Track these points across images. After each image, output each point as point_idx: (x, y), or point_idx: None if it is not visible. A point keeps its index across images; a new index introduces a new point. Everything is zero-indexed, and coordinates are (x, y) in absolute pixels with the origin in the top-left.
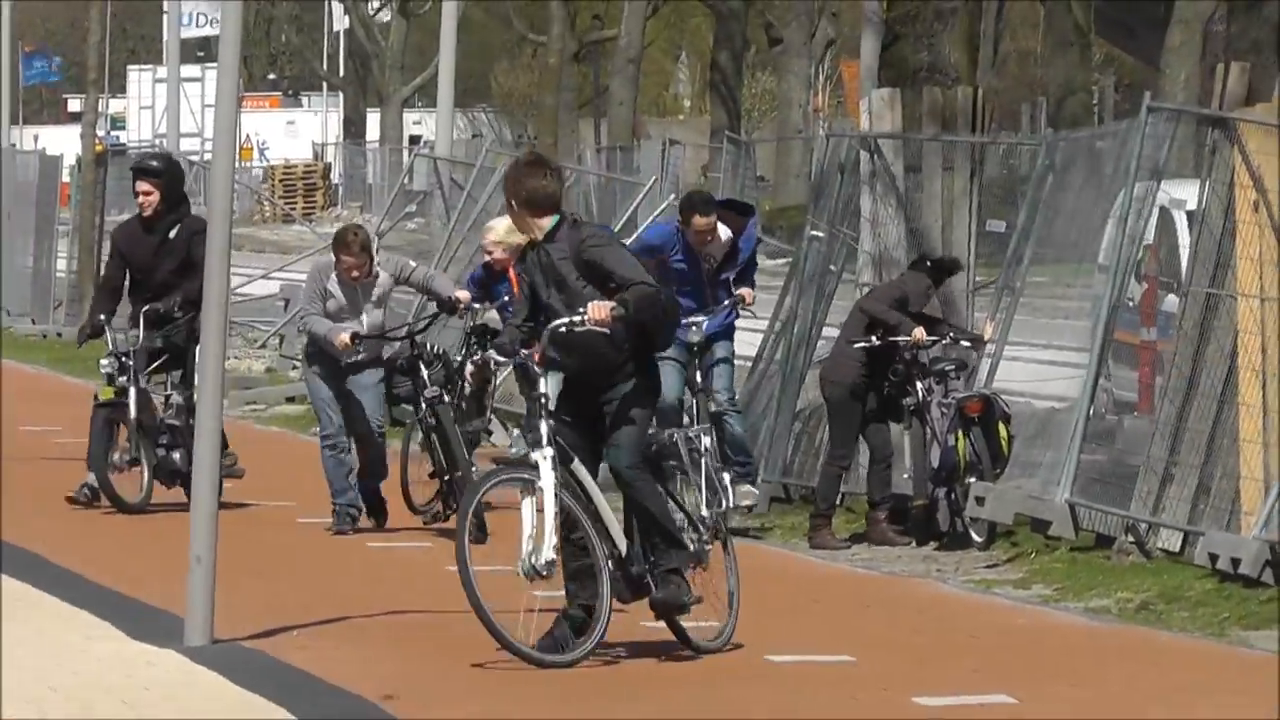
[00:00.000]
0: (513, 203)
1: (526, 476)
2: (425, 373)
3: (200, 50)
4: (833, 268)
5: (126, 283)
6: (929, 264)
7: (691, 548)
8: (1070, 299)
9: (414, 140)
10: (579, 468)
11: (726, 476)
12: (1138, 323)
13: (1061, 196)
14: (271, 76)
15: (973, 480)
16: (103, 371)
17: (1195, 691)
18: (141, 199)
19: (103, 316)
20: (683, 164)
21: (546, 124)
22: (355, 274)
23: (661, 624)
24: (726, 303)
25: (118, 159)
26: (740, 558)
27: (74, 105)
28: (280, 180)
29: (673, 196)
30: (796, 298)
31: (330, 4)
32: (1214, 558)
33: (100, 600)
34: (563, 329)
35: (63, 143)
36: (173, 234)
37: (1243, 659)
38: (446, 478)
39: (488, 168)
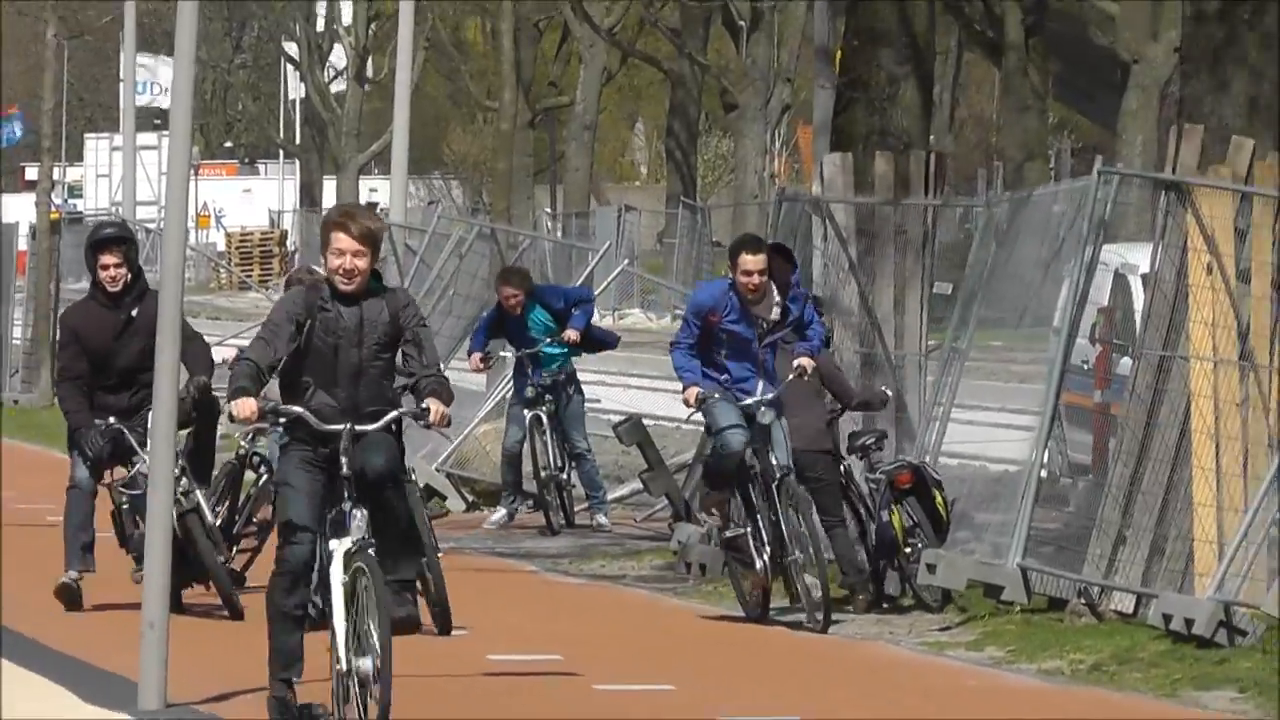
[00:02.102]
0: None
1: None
2: None
3: (157, 119)
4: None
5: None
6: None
7: None
8: (1022, 362)
9: (370, 207)
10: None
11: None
12: (1091, 385)
13: (1013, 259)
14: (228, 144)
15: (912, 547)
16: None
17: None
18: (112, 272)
19: (112, 420)
20: (639, 230)
21: (500, 190)
22: None
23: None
24: (791, 378)
25: (74, 226)
26: (703, 621)
27: (31, 173)
28: (237, 248)
29: (626, 262)
30: None
31: (286, 72)
32: (1168, 619)
33: (54, 665)
34: (420, 422)
35: (19, 210)
36: (135, 313)
37: (1185, 716)
38: None
39: (441, 234)
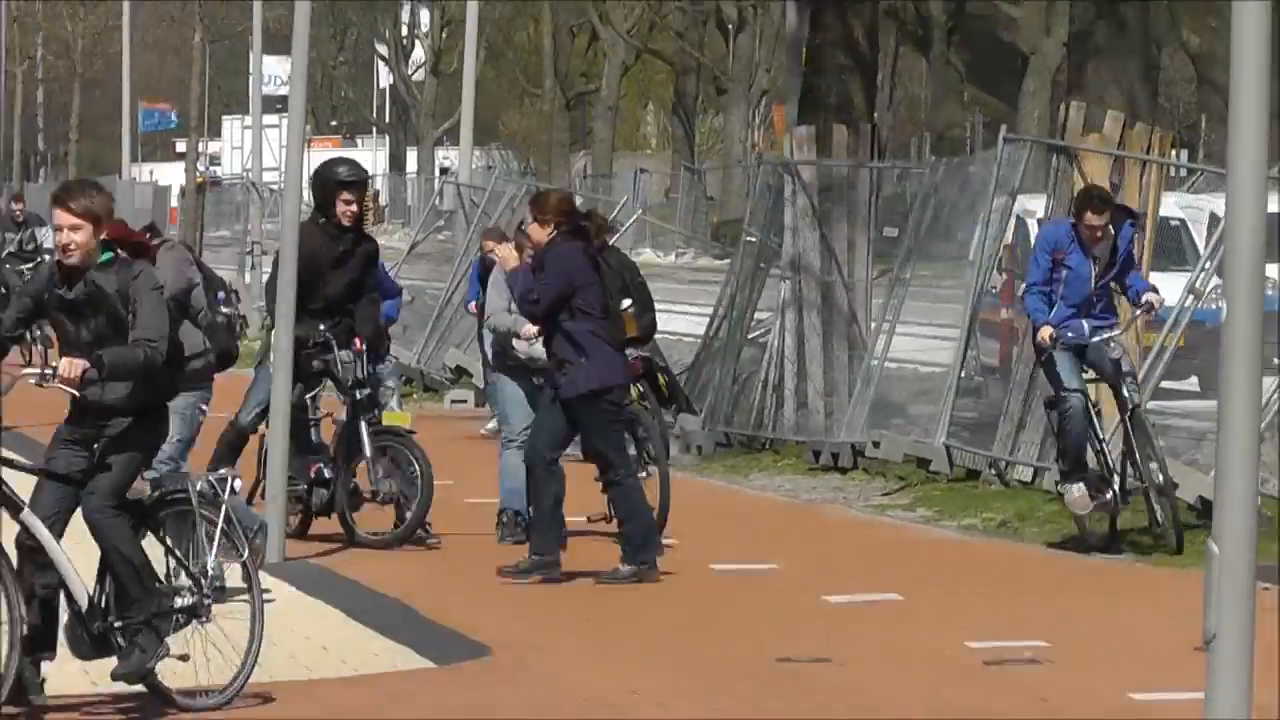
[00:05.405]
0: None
1: None
2: None
3: (278, 104)
4: (762, 265)
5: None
6: None
7: (178, 601)
8: (947, 287)
9: (443, 171)
10: (29, 516)
11: None
12: (998, 304)
13: (941, 209)
14: (333, 123)
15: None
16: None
17: (1043, 587)
18: (354, 208)
19: (322, 327)
20: (650, 187)
21: (543, 157)
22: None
23: None
24: (1137, 314)
25: (214, 188)
26: (686, 490)
27: (180, 147)
28: None
29: (640, 211)
30: (735, 289)
31: (378, 66)
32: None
33: None
34: (33, 380)
35: (172, 175)
36: (356, 249)
37: (1079, 563)
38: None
39: (498, 191)
